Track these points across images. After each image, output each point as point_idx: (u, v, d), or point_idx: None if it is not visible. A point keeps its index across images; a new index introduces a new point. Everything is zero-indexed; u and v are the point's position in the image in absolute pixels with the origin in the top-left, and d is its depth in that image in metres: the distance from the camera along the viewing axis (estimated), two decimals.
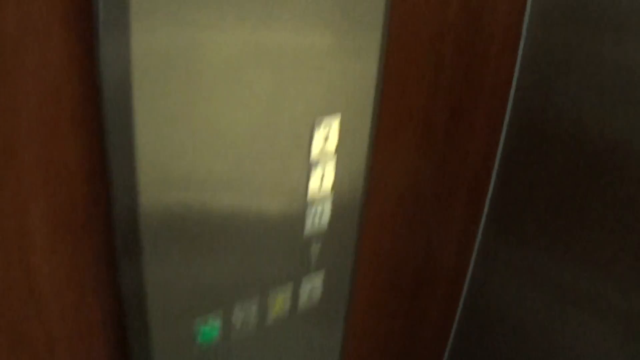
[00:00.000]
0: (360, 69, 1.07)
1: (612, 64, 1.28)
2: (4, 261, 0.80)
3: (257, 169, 1.01)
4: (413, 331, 1.70)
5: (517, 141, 1.51)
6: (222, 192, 0.97)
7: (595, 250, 1.43)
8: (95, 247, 0.91)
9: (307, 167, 1.07)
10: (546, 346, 1.63)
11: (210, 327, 1.08)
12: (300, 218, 1.11)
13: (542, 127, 1.44)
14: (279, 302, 1.19)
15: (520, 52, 1.44)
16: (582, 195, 1.41)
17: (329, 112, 1.05)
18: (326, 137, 1.07)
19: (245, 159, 0.98)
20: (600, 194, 1.38)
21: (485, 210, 1.63)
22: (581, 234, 1.45)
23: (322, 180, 1.10)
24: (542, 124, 1.44)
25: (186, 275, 1.00)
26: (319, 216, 1.14)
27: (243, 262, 1.07)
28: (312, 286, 1.23)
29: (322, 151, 1.08)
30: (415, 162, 1.33)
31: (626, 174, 1.32)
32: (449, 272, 1.67)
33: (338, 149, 1.10)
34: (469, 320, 1.81)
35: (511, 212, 1.58)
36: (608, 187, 1.36)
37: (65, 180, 0.83)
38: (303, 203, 1.10)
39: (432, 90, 1.27)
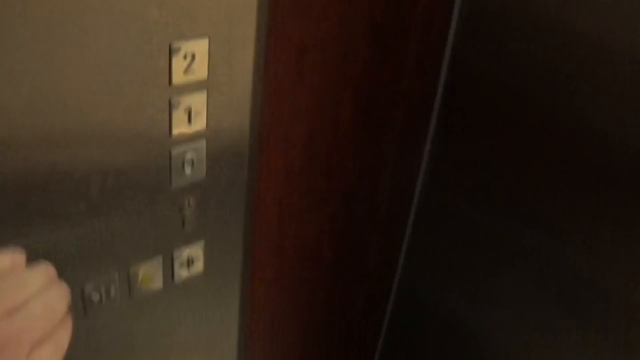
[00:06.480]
0: None
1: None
2: None
3: (93, 108, 0.77)
4: (339, 310, 1.48)
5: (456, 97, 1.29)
6: (53, 144, 0.74)
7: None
8: None
9: (166, 103, 0.84)
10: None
11: None
12: (163, 167, 0.88)
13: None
14: (146, 279, 0.96)
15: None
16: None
17: (190, 35, 0.82)
18: (188, 66, 0.83)
19: (82, 99, 0.74)
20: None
21: (423, 165, 1.42)
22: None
23: (190, 118, 0.87)
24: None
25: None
26: (191, 165, 0.91)
27: (91, 232, 0.85)
28: (190, 258, 1.00)
29: (186, 83, 0.84)
30: (330, 99, 1.10)
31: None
32: (380, 241, 1.45)
33: (210, 80, 0.87)
34: (401, 310, 1.60)
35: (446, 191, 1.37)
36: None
37: None
38: (164, 146, 0.87)
39: (349, 11, 1.04)
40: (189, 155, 0.90)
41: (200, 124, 0.89)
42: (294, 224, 1.20)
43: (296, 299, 1.33)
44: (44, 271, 0.57)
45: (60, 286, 0.57)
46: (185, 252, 0.99)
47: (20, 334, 0.50)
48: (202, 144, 0.91)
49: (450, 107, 1.31)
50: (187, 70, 0.83)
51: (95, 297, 0.92)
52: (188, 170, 0.91)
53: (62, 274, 0.86)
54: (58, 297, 0.55)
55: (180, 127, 0.87)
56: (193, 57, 0.83)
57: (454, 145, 1.33)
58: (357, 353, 1.66)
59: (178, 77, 0.83)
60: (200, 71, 0.85)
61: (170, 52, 0.81)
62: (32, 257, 0.79)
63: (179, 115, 0.86)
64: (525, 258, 1.28)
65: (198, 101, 0.87)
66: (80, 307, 0.91)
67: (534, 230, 1.24)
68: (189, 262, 1.00)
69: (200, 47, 0.83)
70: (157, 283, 0.98)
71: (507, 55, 1.17)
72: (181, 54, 0.82)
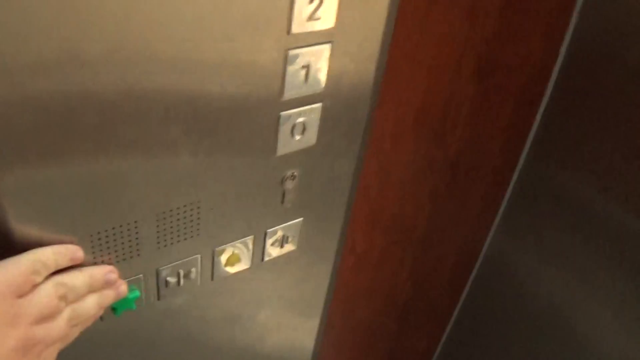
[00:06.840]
0: None
1: None
2: None
3: (203, 49, 0.61)
4: (422, 283, 1.34)
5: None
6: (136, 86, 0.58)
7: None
8: None
9: (282, 56, 0.67)
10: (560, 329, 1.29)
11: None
12: (268, 132, 0.72)
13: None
14: (232, 260, 0.82)
15: None
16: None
17: None
18: (314, 11, 0.66)
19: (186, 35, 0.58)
20: None
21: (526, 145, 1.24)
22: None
23: (307, 75, 0.70)
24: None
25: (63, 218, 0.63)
26: (302, 130, 0.75)
27: (174, 208, 0.70)
28: (285, 236, 0.85)
29: (308, 32, 0.67)
30: (452, 59, 0.93)
31: None
32: (475, 211, 1.30)
33: (336, 31, 0.70)
34: (480, 288, 1.46)
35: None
36: None
37: None
38: (273, 107, 0.71)
39: None
40: (300, 119, 0.74)
41: (318, 83, 0.72)
42: (393, 195, 1.04)
43: (381, 274, 1.19)
44: (101, 271, 0.60)
45: (108, 293, 0.61)
46: (281, 231, 0.84)
47: (41, 342, 0.52)
48: (317, 107, 0.74)
49: (567, 78, 1.13)
50: (311, 17, 0.66)
51: (172, 279, 0.78)
52: (297, 136, 0.75)
53: (137, 255, 0.72)
54: (95, 306, 0.59)
55: (294, 86, 0.70)
56: (321, 0, 0.66)
57: (563, 119, 1.16)
58: (431, 323, 1.53)
59: (299, 25, 0.66)
60: (327, 19, 0.68)
61: None
62: (99, 239, 0.65)
63: (295, 71, 0.69)
64: (626, 242, 1.13)
65: (319, 56, 0.70)
66: (154, 291, 0.77)
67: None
68: (283, 241, 0.86)
69: None
70: (244, 264, 0.84)
71: (631, 33, 0.98)
72: None
